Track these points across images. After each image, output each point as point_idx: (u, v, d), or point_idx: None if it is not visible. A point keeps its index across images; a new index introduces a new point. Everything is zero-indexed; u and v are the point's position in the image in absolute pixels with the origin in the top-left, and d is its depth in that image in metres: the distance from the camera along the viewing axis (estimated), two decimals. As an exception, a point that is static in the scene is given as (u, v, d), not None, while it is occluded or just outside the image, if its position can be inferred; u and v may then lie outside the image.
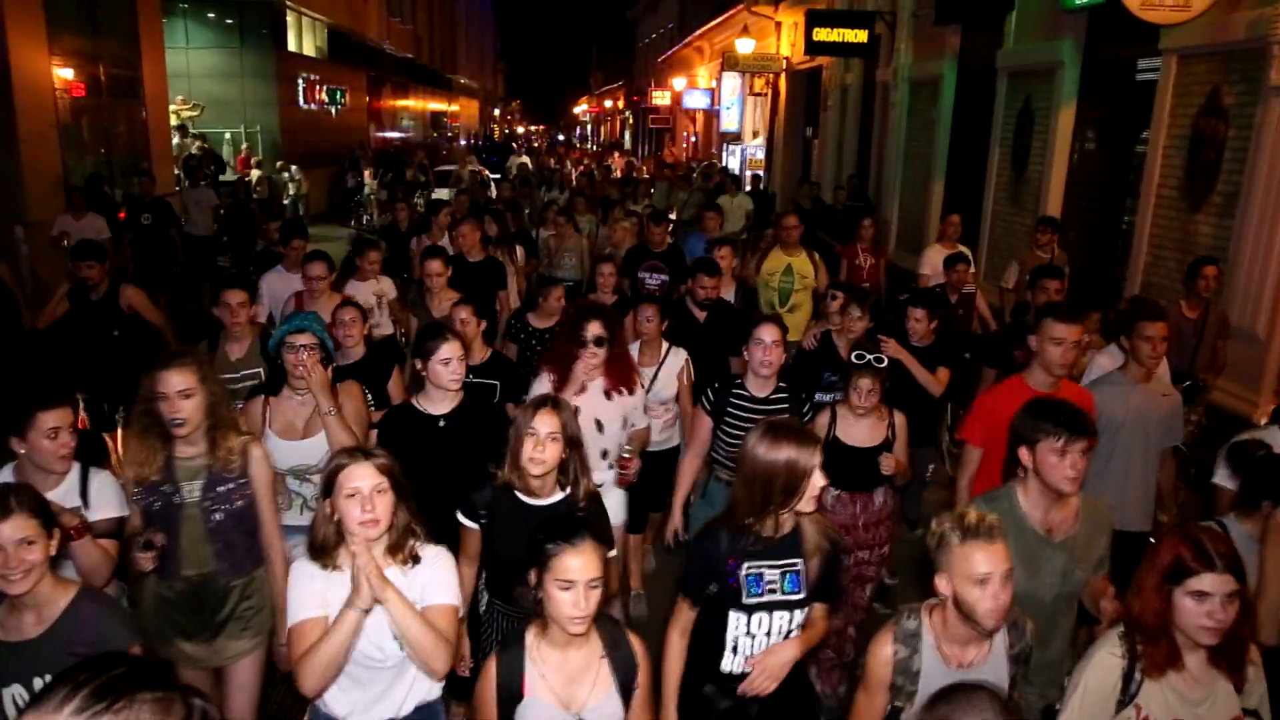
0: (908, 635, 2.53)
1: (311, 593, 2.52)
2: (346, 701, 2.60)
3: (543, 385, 4.08)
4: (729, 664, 2.80)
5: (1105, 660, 2.45)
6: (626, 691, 2.43)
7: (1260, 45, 6.26)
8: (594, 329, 3.97)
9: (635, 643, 2.49)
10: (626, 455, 3.98)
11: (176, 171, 15.84)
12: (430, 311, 5.68)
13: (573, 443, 3.10)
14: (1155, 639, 2.37)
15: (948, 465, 6.22)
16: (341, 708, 2.61)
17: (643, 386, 4.34)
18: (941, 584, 2.43)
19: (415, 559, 2.58)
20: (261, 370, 4.64)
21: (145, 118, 14.59)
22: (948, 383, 5.20)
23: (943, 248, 7.96)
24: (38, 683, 2.38)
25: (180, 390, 3.04)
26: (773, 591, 2.77)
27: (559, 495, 3.13)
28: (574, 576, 2.27)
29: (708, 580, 2.79)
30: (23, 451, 3.04)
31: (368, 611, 2.44)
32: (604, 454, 4.03)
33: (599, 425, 4.02)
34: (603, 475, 4.00)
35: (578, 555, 2.29)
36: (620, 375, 4.11)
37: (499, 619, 3.23)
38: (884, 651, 2.54)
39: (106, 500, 3.15)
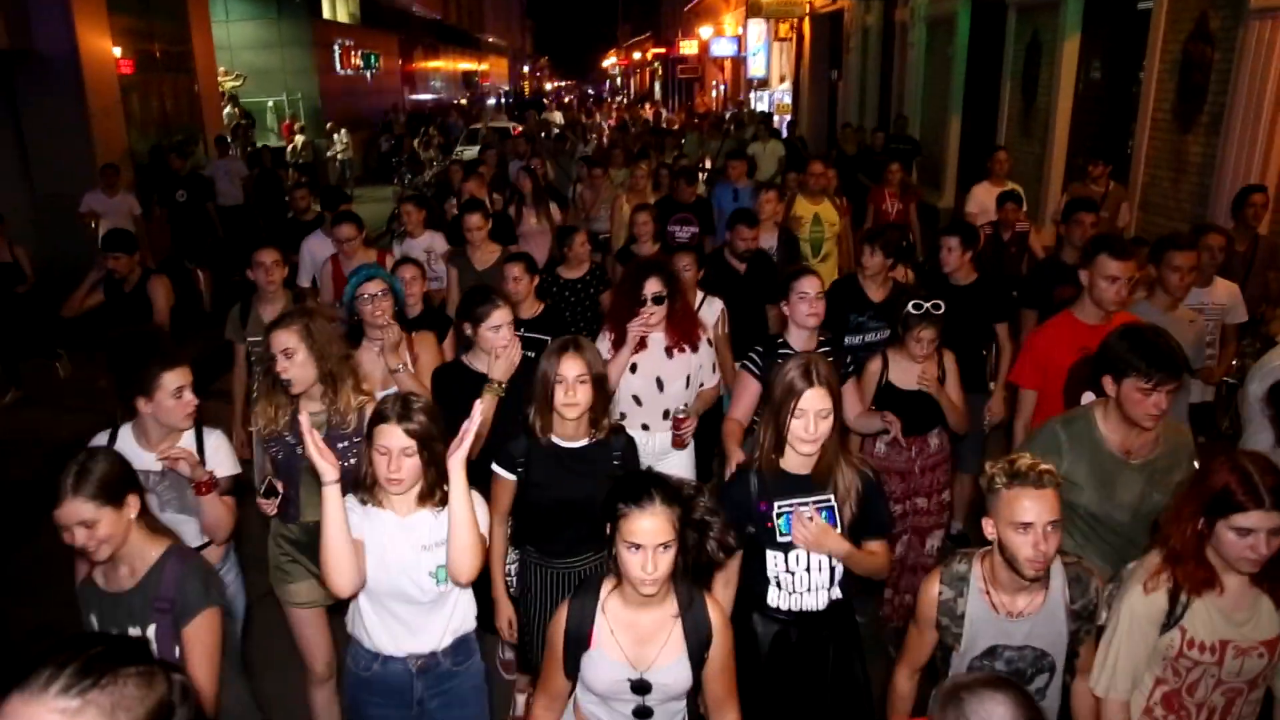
0: (955, 578, 2.52)
1: (354, 521, 2.61)
2: (387, 635, 2.69)
3: (603, 343, 3.99)
4: (774, 598, 2.83)
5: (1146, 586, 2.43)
6: (697, 657, 2.38)
7: (1241, -29, 6.69)
8: (652, 286, 3.88)
9: (713, 609, 2.43)
10: (681, 415, 3.86)
11: (229, 140, 16.70)
12: (472, 264, 5.67)
13: (599, 382, 3.06)
14: (1188, 562, 2.36)
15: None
16: (382, 641, 2.70)
17: (709, 343, 4.18)
18: (988, 528, 2.41)
19: (445, 503, 2.61)
20: None
21: (197, 91, 15.35)
22: (1008, 339, 4.93)
23: (991, 185, 7.71)
24: (132, 632, 2.47)
25: (284, 349, 3.16)
26: None
27: (591, 436, 3.13)
28: (642, 540, 2.22)
29: (742, 524, 2.77)
30: (147, 411, 3.10)
31: (339, 483, 2.50)
32: (666, 414, 3.97)
33: (659, 384, 3.96)
34: (665, 435, 3.98)
35: (647, 518, 2.23)
36: (681, 332, 3.99)
37: (534, 569, 3.22)
38: (931, 591, 2.55)
39: (221, 459, 3.24)
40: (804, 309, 3.84)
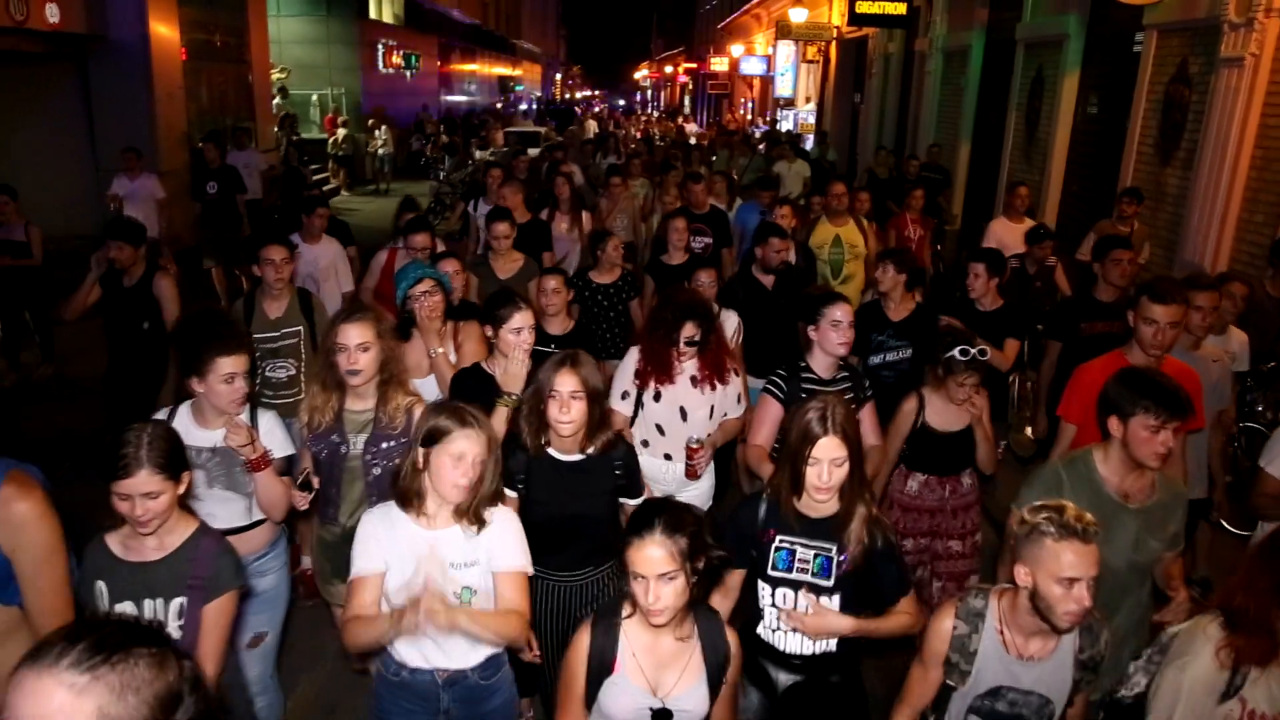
0: (971, 614, 2.45)
1: (377, 547, 2.58)
2: (415, 652, 2.66)
3: (630, 366, 3.98)
4: (764, 631, 2.81)
5: (1208, 653, 2.36)
6: (715, 683, 2.37)
7: (1216, 22, 7.38)
8: (688, 330, 3.80)
9: (731, 636, 2.43)
10: (695, 445, 3.73)
11: (276, 130, 17.61)
12: (495, 273, 5.65)
13: (594, 396, 3.05)
14: (1256, 633, 2.30)
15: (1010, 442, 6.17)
16: (409, 656, 2.67)
17: (736, 374, 4.08)
18: (1021, 575, 2.33)
19: (482, 522, 2.61)
20: (301, 329, 4.62)
21: (251, 81, 16.28)
22: (1015, 355, 5.09)
23: (1009, 220, 7.60)
24: (147, 604, 2.51)
25: (359, 344, 3.21)
26: (803, 571, 2.71)
27: (589, 450, 3.12)
28: (642, 570, 2.22)
29: (744, 547, 2.76)
30: (200, 391, 3.11)
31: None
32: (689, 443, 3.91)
33: (683, 413, 3.90)
34: (683, 466, 3.92)
35: (647, 548, 2.22)
36: (713, 368, 3.91)
37: (538, 584, 3.13)
38: (944, 625, 2.47)
39: (275, 439, 3.26)
40: (835, 337, 3.78)
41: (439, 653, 2.65)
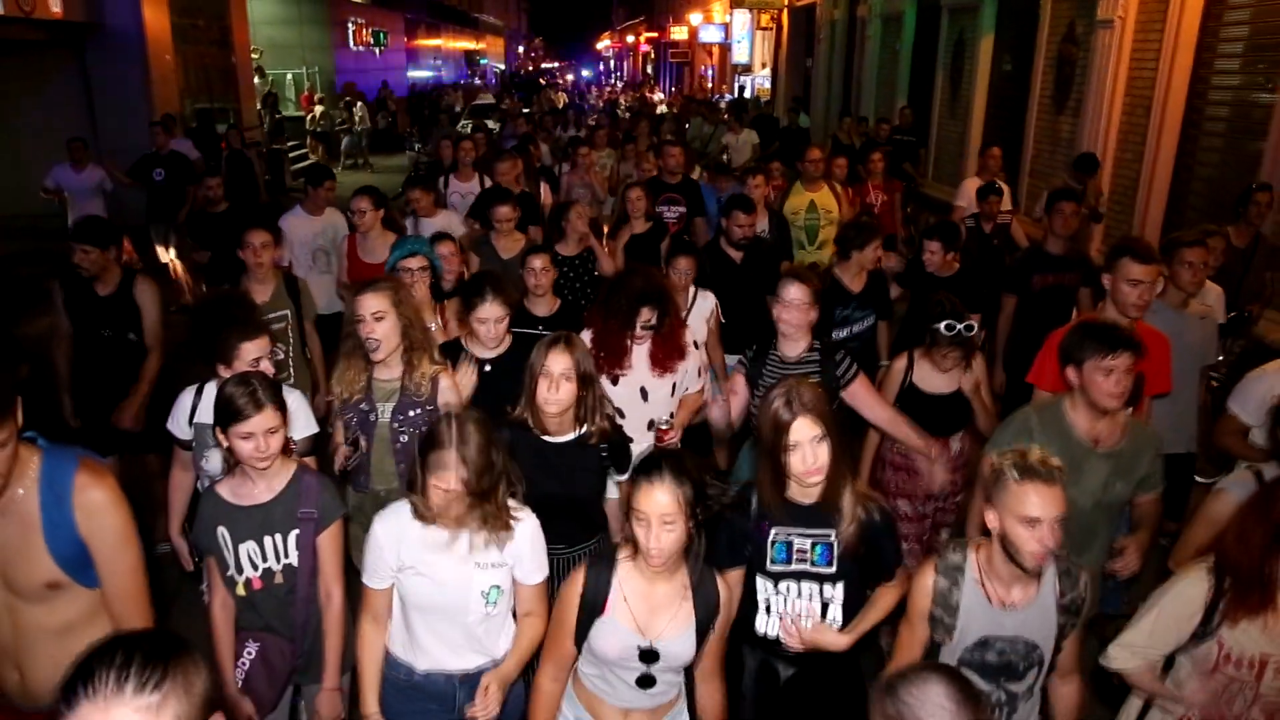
0: (950, 568, 2.48)
1: (383, 561, 2.57)
2: (426, 659, 2.63)
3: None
4: (763, 624, 2.75)
5: (1189, 590, 2.44)
6: (703, 630, 2.42)
7: (1094, -12, 8.64)
8: (645, 315, 3.73)
9: (721, 585, 2.47)
10: (664, 426, 3.74)
11: (259, 108, 18.48)
12: (497, 252, 5.57)
13: (585, 380, 3.04)
14: (1249, 586, 2.35)
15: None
16: (423, 664, 2.64)
17: (695, 345, 4.09)
18: (990, 519, 2.37)
19: (509, 527, 2.57)
20: (288, 313, 4.61)
21: (234, 62, 17.12)
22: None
23: (979, 180, 7.72)
24: (267, 540, 2.67)
25: (374, 313, 3.24)
26: (803, 561, 2.67)
27: (576, 432, 3.11)
28: (647, 511, 2.27)
29: (739, 544, 2.71)
30: (227, 376, 3.08)
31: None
32: (650, 424, 3.84)
33: (644, 393, 3.87)
34: (648, 447, 3.84)
35: (655, 491, 2.27)
36: (669, 350, 3.85)
37: None
38: (925, 582, 2.50)
39: (301, 420, 3.29)
40: (780, 314, 3.74)
41: (452, 656, 2.64)
